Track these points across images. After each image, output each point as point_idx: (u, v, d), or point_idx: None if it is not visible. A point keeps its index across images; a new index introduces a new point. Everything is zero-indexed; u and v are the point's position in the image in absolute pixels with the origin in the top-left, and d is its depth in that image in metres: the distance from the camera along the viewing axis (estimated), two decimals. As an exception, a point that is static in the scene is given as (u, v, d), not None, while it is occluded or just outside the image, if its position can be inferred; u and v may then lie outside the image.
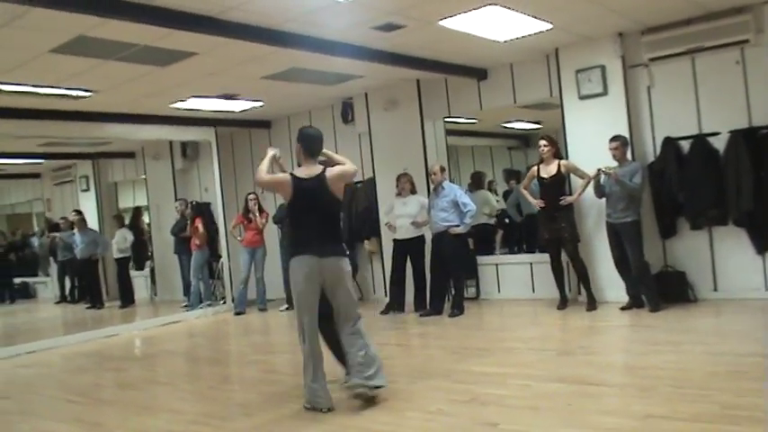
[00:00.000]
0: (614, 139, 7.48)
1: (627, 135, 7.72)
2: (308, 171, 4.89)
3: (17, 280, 16.71)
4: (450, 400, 4.72)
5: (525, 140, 15.55)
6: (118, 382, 6.61)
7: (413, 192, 8.91)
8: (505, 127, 14.16)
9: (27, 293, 16.78)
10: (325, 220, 4.92)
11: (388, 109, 9.81)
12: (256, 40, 6.47)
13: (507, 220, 11.43)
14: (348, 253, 5.10)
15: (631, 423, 3.90)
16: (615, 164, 7.45)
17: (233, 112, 10.36)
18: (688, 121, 7.59)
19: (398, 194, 8.98)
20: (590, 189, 7.82)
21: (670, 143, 7.61)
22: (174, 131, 10.76)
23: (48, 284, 16.41)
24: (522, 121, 13.45)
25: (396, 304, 8.96)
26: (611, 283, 7.93)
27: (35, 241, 16.99)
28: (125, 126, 9.91)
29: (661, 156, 7.69)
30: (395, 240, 9.00)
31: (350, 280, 4.99)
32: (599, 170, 7.49)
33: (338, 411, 4.76)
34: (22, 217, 18.52)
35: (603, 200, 7.65)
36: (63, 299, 14.40)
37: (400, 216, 8.85)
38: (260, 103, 9.92)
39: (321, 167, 4.90)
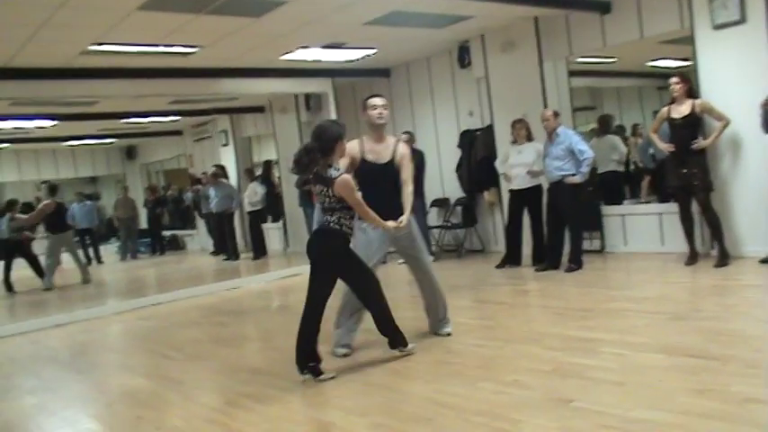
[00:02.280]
0: None
1: None
2: None
3: (167, 233, 17.63)
4: (530, 370, 4.33)
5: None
6: (216, 338, 6.67)
7: (529, 139, 8.35)
8: (652, 66, 13.06)
9: (177, 245, 17.67)
10: None
11: (505, 51, 9.21)
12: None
13: (633, 167, 10.61)
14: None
15: (725, 408, 3.34)
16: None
17: (349, 61, 10.13)
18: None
19: (514, 142, 8.46)
20: (728, 131, 6.98)
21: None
22: (291, 84, 10.71)
23: (195, 237, 17.17)
24: (669, 58, 12.31)
25: (512, 258, 8.52)
26: (749, 236, 7.10)
27: (189, 196, 17.78)
28: (240, 81, 9.97)
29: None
30: (511, 191, 8.52)
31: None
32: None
33: (411, 377, 4.51)
34: (177, 172, 19.41)
35: (755, 142, 6.88)
36: (216, 250, 14.63)
37: (516, 165, 8.34)
38: (373, 51, 9.62)
39: None
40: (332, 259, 4.71)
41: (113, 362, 6.30)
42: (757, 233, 6.95)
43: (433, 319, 5.49)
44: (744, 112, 6.89)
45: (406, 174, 5.17)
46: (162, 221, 17.58)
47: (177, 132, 16.99)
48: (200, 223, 16.36)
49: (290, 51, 8.95)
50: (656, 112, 12.39)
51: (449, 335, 5.40)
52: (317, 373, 4.63)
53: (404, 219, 4.98)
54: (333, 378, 4.63)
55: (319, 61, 9.80)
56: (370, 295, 4.84)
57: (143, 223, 17.49)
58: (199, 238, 16.93)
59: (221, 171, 13.66)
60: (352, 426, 3.76)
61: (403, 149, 5.23)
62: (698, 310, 5.50)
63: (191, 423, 4.20)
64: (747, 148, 7.10)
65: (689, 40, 7.74)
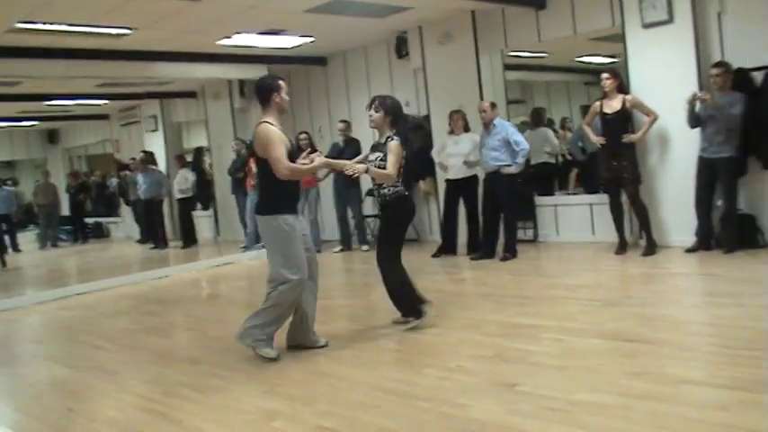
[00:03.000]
0: (718, 65, 6.88)
1: (694, 67, 7.10)
2: None
3: (90, 220, 17.14)
4: (473, 356, 4.41)
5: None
6: (149, 328, 6.53)
7: (466, 129, 8.48)
8: (581, 62, 13.39)
9: (101, 233, 17.21)
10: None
11: (442, 43, 9.31)
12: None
13: (568, 158, 10.88)
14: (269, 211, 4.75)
15: (661, 389, 3.48)
16: (710, 93, 6.85)
17: (285, 48, 10.05)
18: (762, 50, 6.80)
19: (451, 132, 8.57)
20: (656, 126, 7.26)
21: (742, 75, 6.88)
22: (227, 69, 10.59)
23: (119, 224, 16.77)
24: (597, 54, 12.65)
25: (447, 247, 8.65)
26: (674, 226, 7.42)
27: (113, 182, 17.31)
28: (175, 65, 9.79)
29: (732, 89, 6.98)
30: (447, 180, 8.63)
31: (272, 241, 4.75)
32: (694, 95, 6.87)
33: (357, 365, 4.54)
34: (101, 157, 18.87)
35: (681, 136, 7.21)
36: (143, 238, 14.37)
37: (452, 155, 8.46)
38: (310, 39, 9.57)
39: None
40: None
41: (38, 353, 6.07)
42: (683, 224, 7.24)
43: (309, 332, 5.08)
44: (671, 107, 7.15)
45: None
46: (85, 208, 17.06)
47: (103, 116, 16.51)
48: (126, 210, 15.95)
49: (228, 36, 8.82)
50: (584, 107, 12.81)
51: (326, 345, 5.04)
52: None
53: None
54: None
55: (256, 47, 9.69)
56: None
57: (65, 210, 16.97)
58: (124, 225, 16.54)
59: (150, 157, 13.36)
60: (299, 414, 3.76)
61: None
62: (630, 297, 5.71)
63: (127, 414, 4.11)
64: (674, 142, 7.38)
65: (617, 37, 8.00)
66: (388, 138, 5.12)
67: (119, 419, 4.04)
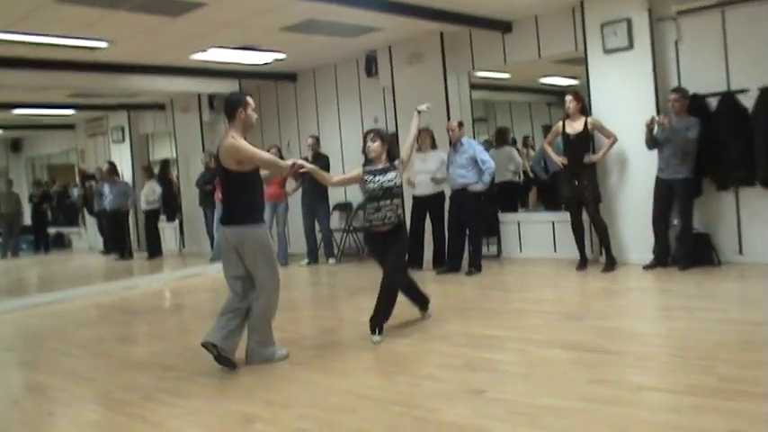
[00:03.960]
0: (676, 90, 7.25)
1: (652, 92, 7.47)
2: None
3: (52, 230, 17.00)
4: (442, 365, 4.62)
5: (564, 96, 15.07)
6: (120, 337, 6.62)
7: (433, 147, 8.72)
8: (543, 83, 13.80)
9: (62, 243, 17.07)
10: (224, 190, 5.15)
11: (411, 62, 9.57)
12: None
13: (531, 177, 11.20)
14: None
15: (622, 395, 3.73)
16: (668, 117, 7.18)
17: (257, 64, 10.21)
18: (716, 77, 7.22)
19: (419, 149, 8.78)
20: (616, 148, 7.58)
21: (697, 101, 7.25)
22: (198, 83, 10.69)
23: (82, 235, 16.66)
24: (559, 76, 13.05)
25: (413, 261, 8.80)
26: (633, 244, 7.75)
27: (75, 192, 17.20)
28: (147, 78, 9.87)
29: (688, 113, 7.32)
30: (414, 197, 8.84)
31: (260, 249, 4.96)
32: (653, 118, 7.20)
33: (329, 373, 4.71)
34: (63, 167, 18.74)
35: (639, 157, 7.54)
36: (107, 249, 14.29)
37: (420, 172, 8.67)
38: (283, 56, 9.75)
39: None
40: None
41: (11, 360, 6.12)
42: (641, 242, 7.56)
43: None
44: (630, 130, 7.50)
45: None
46: (47, 218, 16.92)
47: (69, 126, 16.42)
48: (90, 221, 15.88)
49: (202, 51, 8.95)
50: (545, 126, 13.22)
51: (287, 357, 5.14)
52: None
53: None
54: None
55: (229, 63, 9.84)
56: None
57: (27, 219, 16.81)
58: (87, 236, 16.43)
59: (114, 168, 13.36)
60: (278, 417, 3.91)
61: None
62: (591, 311, 5.97)
63: (108, 418, 4.22)
64: (633, 163, 7.72)
65: (579, 60, 8.35)
66: (393, 162, 5.60)
67: (100, 423, 4.16)
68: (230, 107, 4.95)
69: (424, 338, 5.40)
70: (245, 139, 4.92)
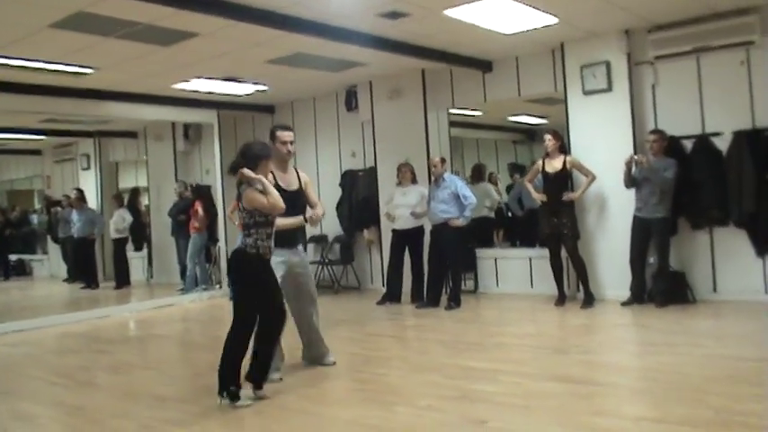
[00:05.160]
0: (654, 131, 7.48)
1: (630, 132, 7.73)
2: None
3: (13, 257, 16.65)
4: (439, 396, 4.66)
5: (531, 135, 15.44)
6: (104, 365, 6.53)
7: (413, 181, 8.84)
8: (511, 121, 14.09)
9: (23, 271, 16.71)
10: None
11: (392, 98, 9.73)
12: (260, 23, 6.36)
13: (509, 214, 11.37)
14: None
15: (623, 424, 3.84)
16: (646, 157, 7.39)
17: (237, 95, 10.26)
18: (692, 120, 7.51)
19: (399, 184, 8.91)
20: (594, 186, 7.78)
21: (673, 142, 7.50)
22: (177, 113, 10.65)
23: (44, 262, 16.34)
24: (529, 115, 13.35)
25: (392, 295, 8.90)
26: (610, 281, 7.92)
27: (34, 218, 16.91)
28: (126, 105, 9.77)
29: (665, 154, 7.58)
30: (394, 230, 8.92)
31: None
32: (631, 157, 7.40)
33: (327, 403, 4.72)
34: (23, 193, 18.43)
35: (617, 196, 7.76)
36: (70, 277, 14.06)
37: (400, 206, 8.77)
38: (264, 88, 9.82)
39: None
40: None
41: (-6, 388, 6.00)
42: (618, 278, 7.73)
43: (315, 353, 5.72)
44: (608, 169, 7.72)
45: (315, 197, 5.64)
46: (9, 245, 16.58)
47: (36, 152, 16.20)
48: (53, 248, 15.60)
49: (185, 80, 8.98)
50: (511, 164, 13.48)
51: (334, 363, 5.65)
52: (234, 397, 4.69)
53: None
54: (249, 406, 4.65)
55: (211, 93, 9.87)
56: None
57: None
58: (49, 263, 16.13)
59: (82, 195, 13.19)
60: (283, 446, 3.93)
61: (306, 177, 5.61)
62: (576, 345, 6.07)
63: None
64: (611, 201, 7.93)
65: (549, 100, 8.58)
66: None
67: (101, 451, 4.11)
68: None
69: (414, 370, 5.45)
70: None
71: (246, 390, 4.74)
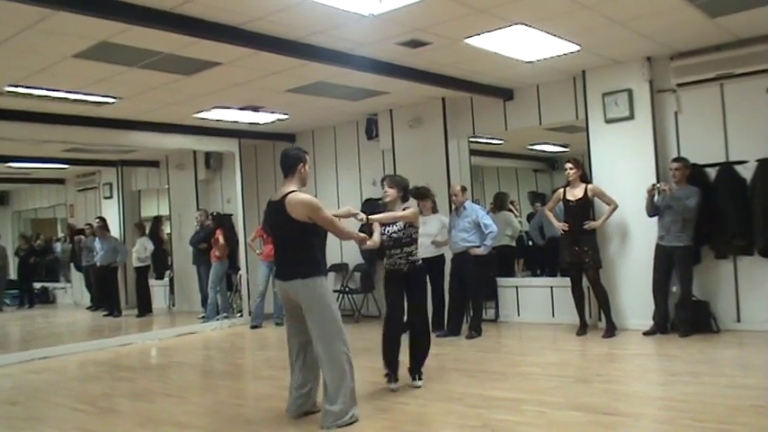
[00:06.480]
0: (677, 159, 7.45)
1: (653, 161, 7.68)
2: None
3: (37, 285, 16.82)
4: (462, 426, 4.61)
5: (551, 163, 15.42)
6: (126, 393, 6.55)
7: (434, 211, 8.81)
8: (532, 149, 14.07)
9: (46, 298, 16.86)
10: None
11: (412, 126, 9.76)
12: (281, 53, 6.44)
13: (530, 243, 11.30)
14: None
15: (649, 457, 3.77)
16: (669, 185, 7.35)
17: (258, 124, 10.35)
18: (715, 148, 7.46)
19: (419, 213, 8.86)
20: (616, 214, 7.72)
21: (696, 170, 7.45)
22: (198, 141, 10.75)
23: (67, 290, 16.49)
24: (549, 143, 13.33)
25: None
26: (632, 310, 7.84)
27: (58, 247, 17.11)
28: (149, 134, 9.89)
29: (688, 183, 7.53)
30: (414, 259, 8.87)
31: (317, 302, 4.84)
32: (653, 185, 7.36)
33: None
34: (46, 222, 18.68)
35: (639, 225, 7.71)
36: (93, 304, 14.21)
37: (420, 235, 8.69)
38: (285, 116, 9.90)
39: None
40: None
41: (19, 414, 5.94)
42: (640, 308, 7.66)
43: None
44: (630, 197, 7.67)
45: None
46: (34, 272, 16.76)
47: (59, 181, 16.43)
48: (76, 276, 15.73)
49: (206, 110, 9.07)
50: (531, 192, 13.43)
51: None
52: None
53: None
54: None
55: (233, 122, 9.96)
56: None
57: (12, 273, 16.63)
58: (72, 291, 16.26)
59: (105, 224, 13.31)
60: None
61: None
62: (599, 375, 5.99)
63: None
64: (633, 230, 7.86)
65: (570, 128, 8.53)
66: (404, 209, 5.90)
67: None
68: (290, 162, 5.00)
69: (436, 399, 5.40)
70: None
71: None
